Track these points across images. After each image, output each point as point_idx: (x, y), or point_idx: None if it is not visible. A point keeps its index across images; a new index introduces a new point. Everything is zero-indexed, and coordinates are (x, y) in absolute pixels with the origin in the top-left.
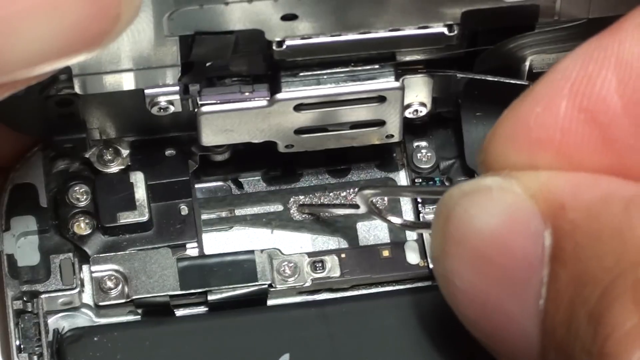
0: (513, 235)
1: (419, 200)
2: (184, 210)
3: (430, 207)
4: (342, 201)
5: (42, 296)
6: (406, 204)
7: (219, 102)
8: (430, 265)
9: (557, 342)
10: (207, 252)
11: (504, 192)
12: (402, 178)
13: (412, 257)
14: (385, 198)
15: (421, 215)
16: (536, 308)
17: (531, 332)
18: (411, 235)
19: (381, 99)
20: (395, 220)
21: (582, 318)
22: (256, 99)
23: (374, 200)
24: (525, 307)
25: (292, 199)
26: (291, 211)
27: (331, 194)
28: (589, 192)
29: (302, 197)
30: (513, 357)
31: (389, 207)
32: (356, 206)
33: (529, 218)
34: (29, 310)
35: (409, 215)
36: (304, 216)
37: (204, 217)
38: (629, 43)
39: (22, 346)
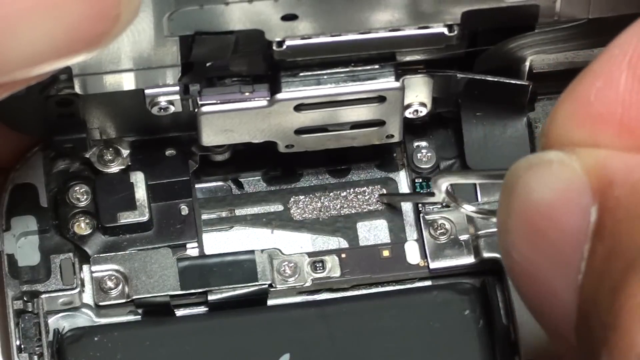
0: (565, 209)
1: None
2: (184, 210)
3: (431, 207)
4: (342, 201)
5: (43, 296)
6: (406, 204)
7: (219, 102)
8: (431, 265)
9: (586, 317)
10: (207, 252)
11: (563, 167)
12: (402, 178)
13: (412, 257)
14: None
15: (421, 215)
16: (576, 283)
17: (571, 308)
18: (411, 235)
19: (381, 99)
20: (469, 207)
21: (606, 291)
22: (256, 99)
23: (449, 188)
24: (567, 282)
25: (292, 199)
26: (291, 211)
27: (331, 194)
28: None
29: (302, 197)
30: (557, 333)
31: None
32: (432, 194)
33: (580, 193)
34: (29, 310)
35: (409, 215)
36: (304, 216)
37: (204, 217)
38: None
39: (22, 346)
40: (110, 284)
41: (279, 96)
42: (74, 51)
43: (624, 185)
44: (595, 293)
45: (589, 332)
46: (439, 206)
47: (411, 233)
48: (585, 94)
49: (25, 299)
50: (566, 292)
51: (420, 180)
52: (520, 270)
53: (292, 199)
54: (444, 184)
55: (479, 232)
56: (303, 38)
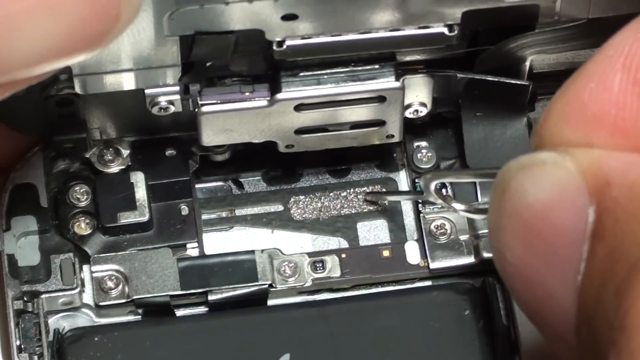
0: (561, 210)
1: (420, 201)
2: (185, 210)
3: (431, 207)
4: (342, 201)
5: (43, 296)
6: (406, 204)
7: (219, 102)
8: (431, 265)
9: (587, 318)
10: (207, 252)
11: (557, 167)
12: (402, 178)
13: (412, 257)
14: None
15: (421, 215)
16: (574, 284)
17: (569, 309)
18: (412, 235)
19: (381, 99)
20: (459, 206)
21: (610, 292)
22: (256, 99)
23: (437, 187)
24: (565, 283)
25: (292, 199)
26: (291, 211)
27: (331, 194)
28: (637, 171)
29: (303, 197)
30: (554, 334)
31: (390, 205)
32: (420, 192)
33: (576, 194)
34: (30, 310)
35: (409, 215)
36: (304, 216)
37: (205, 217)
38: None
39: (22, 346)
40: (110, 284)
41: (279, 96)
42: (75, 51)
43: (621, 185)
44: (598, 294)
45: (592, 333)
46: (439, 206)
47: (411, 233)
48: (579, 95)
49: (25, 299)
50: (564, 293)
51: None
52: (514, 271)
53: (292, 199)
54: (432, 183)
55: (479, 232)
56: (303, 38)
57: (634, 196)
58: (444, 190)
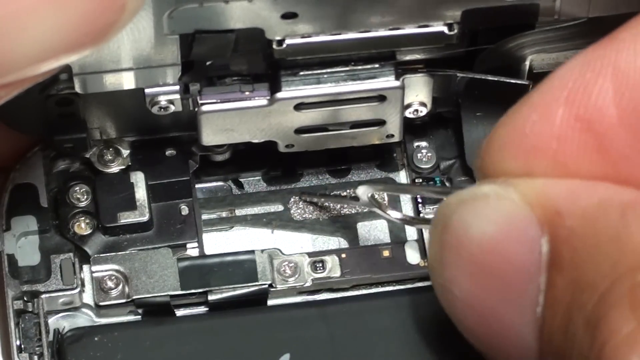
0: (510, 242)
1: (419, 200)
2: (185, 210)
3: (431, 207)
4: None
5: (43, 296)
6: (406, 204)
7: (219, 101)
8: None
9: (554, 349)
10: (207, 252)
11: (501, 200)
12: (402, 178)
13: (412, 257)
14: (385, 195)
15: (422, 215)
16: (533, 315)
17: (528, 340)
18: (411, 235)
19: (381, 98)
20: (395, 214)
21: (579, 324)
22: (256, 98)
23: (375, 195)
24: (522, 315)
25: (292, 199)
26: (291, 211)
27: (331, 194)
28: (585, 198)
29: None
30: None
31: (389, 205)
32: (356, 199)
33: (525, 225)
34: (30, 310)
35: (409, 215)
36: (304, 216)
37: (205, 217)
38: (625, 53)
39: (22, 346)
40: (110, 284)
41: (279, 95)
42: (82, 45)
43: (573, 214)
44: (564, 325)
45: None
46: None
47: (411, 233)
48: (521, 125)
49: (25, 299)
50: (522, 325)
51: (421, 181)
52: (464, 306)
53: (292, 199)
54: (365, 194)
55: None
56: (303, 37)
57: (588, 225)
58: (378, 198)
